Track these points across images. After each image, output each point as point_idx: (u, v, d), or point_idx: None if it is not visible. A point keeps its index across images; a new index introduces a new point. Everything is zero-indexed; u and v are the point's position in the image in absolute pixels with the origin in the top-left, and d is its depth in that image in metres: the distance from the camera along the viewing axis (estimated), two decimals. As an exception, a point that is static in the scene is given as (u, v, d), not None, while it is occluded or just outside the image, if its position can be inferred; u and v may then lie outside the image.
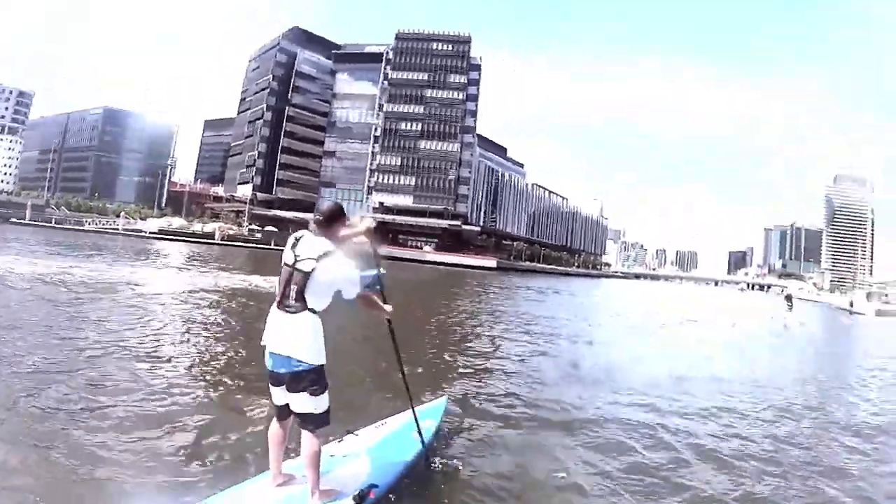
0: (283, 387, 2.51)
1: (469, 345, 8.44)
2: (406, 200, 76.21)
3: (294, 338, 2.45)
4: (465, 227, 76.00)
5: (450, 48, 79.76)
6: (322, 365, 2.50)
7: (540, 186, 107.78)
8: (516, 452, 3.79)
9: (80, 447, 3.17)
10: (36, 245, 23.23)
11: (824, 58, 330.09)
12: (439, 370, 6.34)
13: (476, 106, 79.36)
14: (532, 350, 8.32)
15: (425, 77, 78.79)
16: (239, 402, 4.22)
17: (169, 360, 5.34)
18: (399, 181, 76.92)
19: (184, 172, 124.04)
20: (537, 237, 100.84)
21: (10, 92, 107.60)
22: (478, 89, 79.72)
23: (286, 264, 2.52)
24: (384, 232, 71.53)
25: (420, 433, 3.22)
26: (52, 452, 3.06)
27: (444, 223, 74.36)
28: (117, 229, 56.19)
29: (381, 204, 75.38)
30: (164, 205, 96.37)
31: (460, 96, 78.18)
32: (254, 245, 54.44)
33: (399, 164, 77.14)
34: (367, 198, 77.32)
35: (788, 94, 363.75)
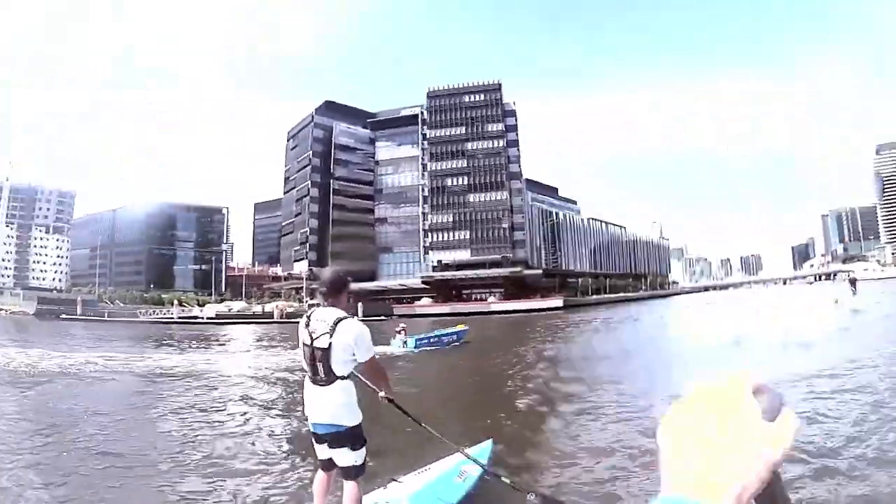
0: (326, 444, 2.72)
1: (529, 386, 8.78)
2: (464, 255, 76.25)
3: (330, 407, 2.65)
4: (526, 271, 75.19)
5: (482, 98, 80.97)
6: (359, 424, 2.68)
7: (596, 220, 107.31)
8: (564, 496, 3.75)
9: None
10: (96, 339, 23.69)
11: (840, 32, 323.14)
12: (485, 414, 6.61)
13: (518, 151, 79.86)
14: (581, 387, 8.38)
15: (463, 131, 79.92)
16: (294, 459, 4.84)
17: (238, 428, 6.23)
18: (454, 237, 77.23)
19: (240, 256, 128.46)
20: (601, 270, 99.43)
21: (51, 193, 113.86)
22: (517, 134, 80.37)
23: (304, 344, 2.66)
24: (448, 289, 71.72)
25: (464, 478, 3.34)
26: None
27: (505, 271, 73.73)
28: (172, 317, 56.17)
29: (440, 262, 75.57)
30: (223, 290, 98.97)
31: (500, 144, 78.84)
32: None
33: (451, 220, 77.63)
34: (425, 258, 77.71)
35: (812, 75, 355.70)
